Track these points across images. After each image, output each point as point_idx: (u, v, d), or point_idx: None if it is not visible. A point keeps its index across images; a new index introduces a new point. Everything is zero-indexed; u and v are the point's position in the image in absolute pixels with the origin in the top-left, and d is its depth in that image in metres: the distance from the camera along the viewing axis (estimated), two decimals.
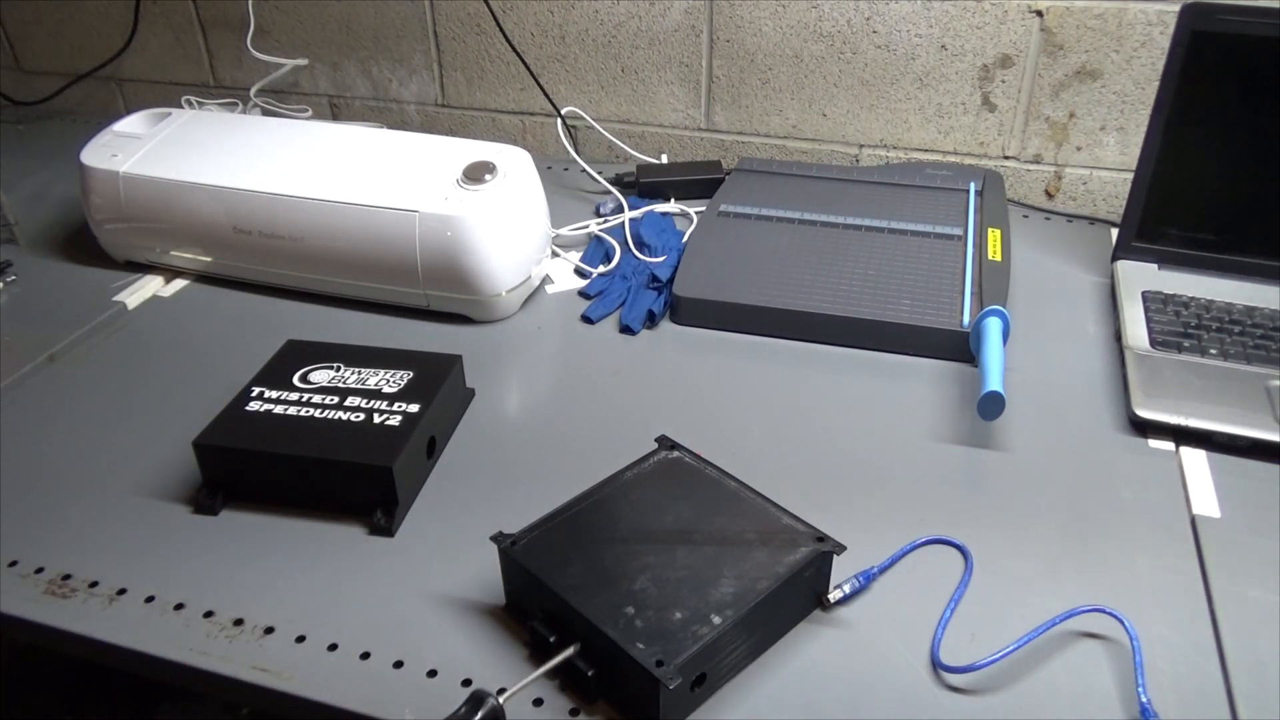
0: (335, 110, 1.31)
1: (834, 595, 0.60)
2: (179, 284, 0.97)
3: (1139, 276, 0.90)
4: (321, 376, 0.74)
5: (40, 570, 0.64)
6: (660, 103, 1.17)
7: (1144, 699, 0.54)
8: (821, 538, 0.59)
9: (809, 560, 0.57)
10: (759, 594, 0.55)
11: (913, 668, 0.57)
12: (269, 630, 0.60)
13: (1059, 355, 0.84)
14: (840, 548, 0.59)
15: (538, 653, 0.57)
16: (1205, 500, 0.69)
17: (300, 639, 0.60)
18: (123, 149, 0.96)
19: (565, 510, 0.62)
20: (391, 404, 0.71)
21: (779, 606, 0.57)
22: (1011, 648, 0.57)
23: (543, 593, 0.56)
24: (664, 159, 1.18)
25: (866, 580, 0.62)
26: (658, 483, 0.64)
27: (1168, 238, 0.91)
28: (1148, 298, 0.87)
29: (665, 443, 0.68)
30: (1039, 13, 0.99)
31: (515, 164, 0.91)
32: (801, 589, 0.59)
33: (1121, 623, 0.58)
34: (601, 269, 0.96)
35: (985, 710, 0.55)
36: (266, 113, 1.28)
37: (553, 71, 1.18)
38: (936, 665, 0.57)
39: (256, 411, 0.70)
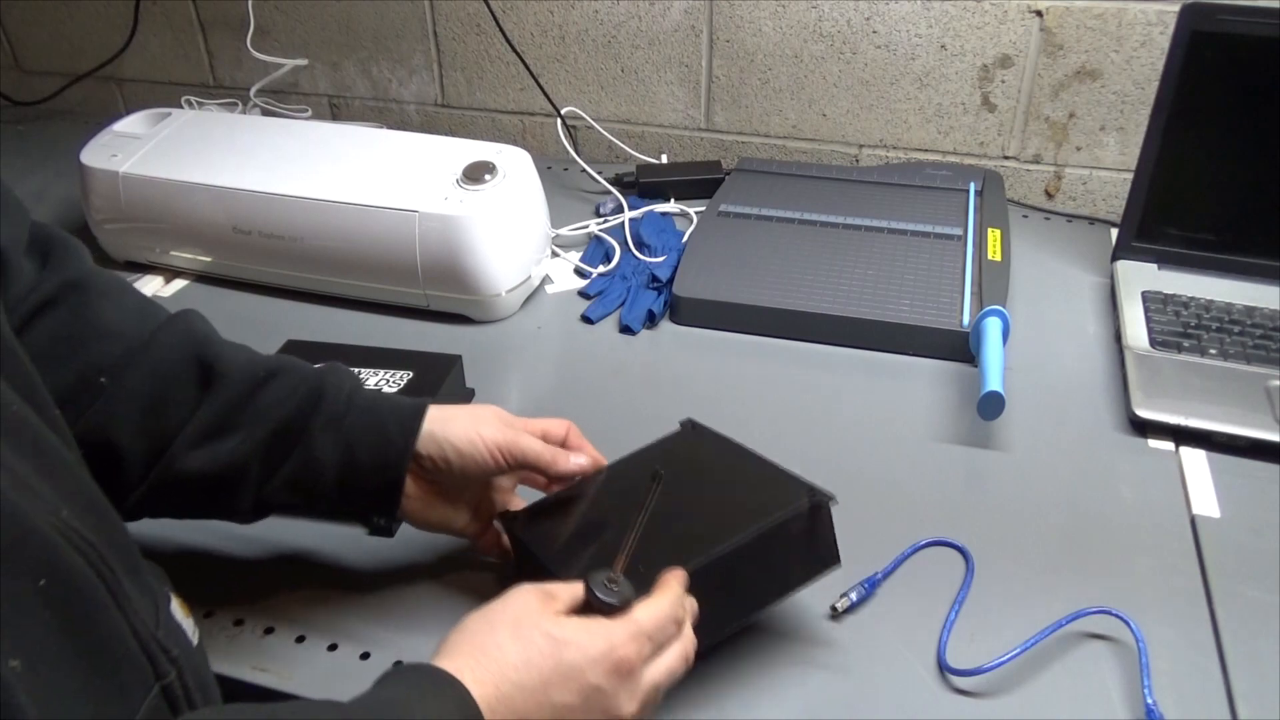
0: (335, 110, 1.31)
1: (841, 604, 0.61)
2: (179, 284, 0.97)
3: (1139, 276, 0.90)
4: None
5: None
6: (660, 103, 1.17)
7: (1149, 700, 0.54)
8: (814, 490, 0.56)
9: (797, 513, 0.55)
10: (736, 542, 0.53)
11: (917, 671, 0.57)
12: (269, 630, 0.60)
13: (1059, 355, 0.84)
14: (830, 497, 0.56)
15: None
16: (1205, 500, 0.69)
17: (300, 639, 0.60)
18: (123, 149, 0.96)
19: (574, 488, 0.62)
20: None
21: (766, 563, 0.55)
22: (1018, 650, 0.57)
23: (548, 576, 0.56)
24: (664, 159, 1.18)
25: (871, 587, 0.62)
26: (678, 463, 0.63)
27: (1168, 238, 0.90)
28: (1148, 298, 0.86)
29: (690, 424, 0.67)
30: (1039, 13, 0.99)
31: (515, 164, 0.91)
32: (796, 546, 0.56)
33: (1127, 624, 0.58)
34: (601, 269, 0.96)
35: (991, 712, 0.55)
36: (266, 113, 1.28)
37: (553, 71, 1.18)
38: (943, 668, 0.57)
39: None
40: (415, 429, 0.56)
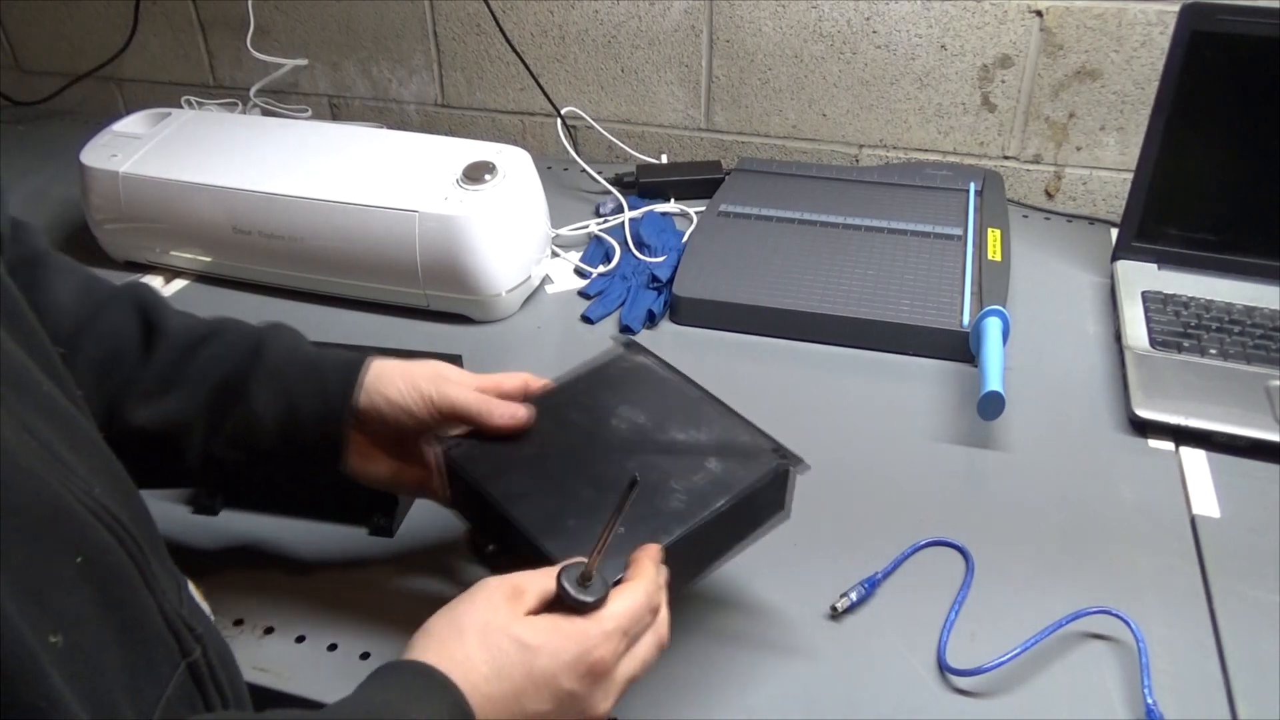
0: (335, 110, 1.31)
1: (841, 604, 0.61)
2: (179, 284, 0.97)
3: (1139, 276, 0.90)
4: None
5: None
6: (660, 103, 1.17)
7: (1149, 700, 0.54)
8: (781, 451, 0.56)
9: (767, 478, 0.55)
10: (710, 512, 0.53)
11: (917, 671, 0.57)
12: (269, 630, 0.60)
13: (1059, 355, 0.84)
14: (800, 462, 0.56)
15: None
16: (1205, 500, 0.69)
17: (300, 639, 0.60)
18: (122, 149, 0.96)
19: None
20: None
21: (731, 523, 0.55)
22: (1018, 650, 0.57)
23: (481, 501, 0.55)
24: (664, 159, 1.18)
25: (871, 587, 0.62)
26: (617, 388, 0.62)
27: (1167, 238, 0.90)
28: (1148, 298, 0.86)
29: (631, 346, 0.65)
30: (1039, 13, 0.99)
31: (515, 164, 0.91)
32: (758, 503, 0.56)
33: (1128, 624, 0.58)
34: (601, 269, 0.96)
35: (991, 712, 0.55)
36: (266, 113, 1.28)
37: (553, 71, 1.18)
38: (943, 668, 0.57)
39: None
40: (354, 380, 0.56)
